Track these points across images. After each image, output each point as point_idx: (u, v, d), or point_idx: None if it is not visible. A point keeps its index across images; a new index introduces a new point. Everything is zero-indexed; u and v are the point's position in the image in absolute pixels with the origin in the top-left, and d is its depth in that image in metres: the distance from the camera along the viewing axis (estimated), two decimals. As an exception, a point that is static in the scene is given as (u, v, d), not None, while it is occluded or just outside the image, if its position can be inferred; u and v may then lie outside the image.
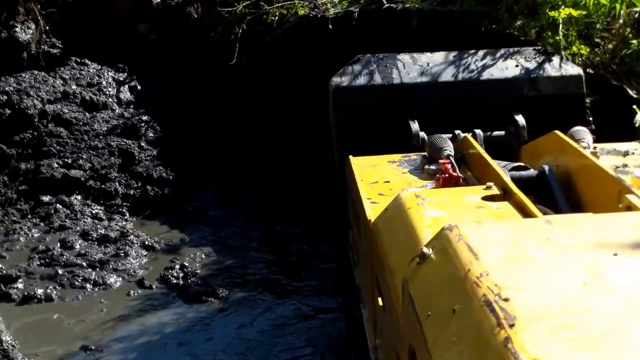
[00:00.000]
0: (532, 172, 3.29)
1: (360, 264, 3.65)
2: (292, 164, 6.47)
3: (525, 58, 4.41)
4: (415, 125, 4.06)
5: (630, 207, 2.36)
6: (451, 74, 4.36)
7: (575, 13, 5.04)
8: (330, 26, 6.13)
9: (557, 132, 3.42)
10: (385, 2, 6.09)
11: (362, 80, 4.34)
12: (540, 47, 4.55)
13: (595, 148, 3.54)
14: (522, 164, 3.44)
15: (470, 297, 1.69)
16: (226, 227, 6.13)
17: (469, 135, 3.69)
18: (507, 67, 4.37)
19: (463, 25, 5.73)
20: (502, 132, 3.83)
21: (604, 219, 2.10)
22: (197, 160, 6.68)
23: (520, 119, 4.07)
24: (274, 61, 6.61)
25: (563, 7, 5.08)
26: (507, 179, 2.92)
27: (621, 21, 5.30)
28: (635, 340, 1.47)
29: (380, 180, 3.51)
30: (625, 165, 3.45)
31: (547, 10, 5.21)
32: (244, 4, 6.71)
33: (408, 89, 4.29)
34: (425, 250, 2.03)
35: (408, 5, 5.95)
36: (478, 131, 3.60)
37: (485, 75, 4.33)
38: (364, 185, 3.43)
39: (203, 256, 5.73)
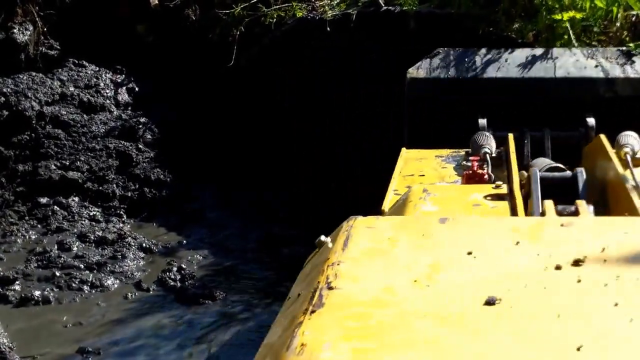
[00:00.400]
0: (566, 174, 3.20)
1: None
2: (292, 164, 6.48)
3: (607, 58, 4.30)
4: (482, 122, 3.98)
5: (543, 213, 2.33)
6: (527, 71, 4.27)
7: (578, 16, 5.04)
8: (328, 28, 6.13)
9: (602, 136, 3.33)
10: (383, 5, 6.09)
11: (438, 74, 4.30)
12: (624, 48, 4.41)
13: None
14: (561, 165, 3.36)
15: (313, 284, 1.74)
16: (224, 229, 6.14)
17: (510, 135, 3.63)
18: (585, 67, 4.26)
19: (461, 28, 5.72)
20: (574, 133, 3.74)
21: (501, 221, 2.14)
22: (195, 161, 6.68)
23: (590, 120, 3.96)
24: (272, 63, 6.61)
25: (563, 10, 5.07)
26: (516, 179, 2.91)
27: (618, 24, 5.30)
28: (411, 339, 1.47)
29: (417, 173, 3.48)
30: None
31: (545, 14, 5.22)
32: (242, 6, 6.72)
33: (483, 85, 4.24)
34: (322, 238, 2.05)
35: (406, 8, 5.95)
36: (546, 130, 3.53)
37: (562, 73, 4.24)
38: (398, 177, 3.42)
39: (201, 258, 5.73)
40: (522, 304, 1.57)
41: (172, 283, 5.36)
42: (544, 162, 3.32)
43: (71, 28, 7.47)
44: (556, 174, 3.19)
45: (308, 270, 2.00)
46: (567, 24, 5.08)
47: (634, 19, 5.27)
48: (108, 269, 5.51)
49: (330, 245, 1.97)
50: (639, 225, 2.00)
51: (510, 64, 4.36)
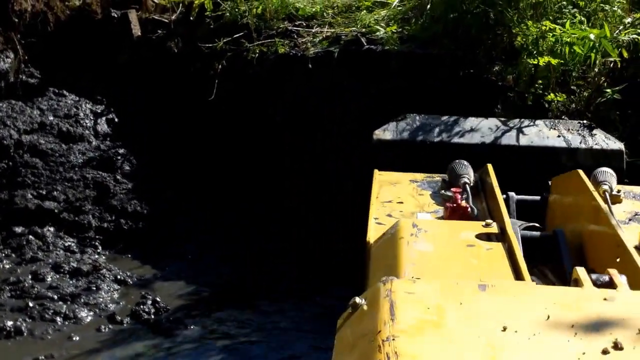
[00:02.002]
0: (548, 233, 3.26)
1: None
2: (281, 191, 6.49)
3: (569, 130, 4.44)
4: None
5: (577, 281, 2.31)
6: (492, 139, 4.39)
7: (554, 61, 5.12)
8: (310, 65, 6.17)
9: (580, 171, 3.38)
10: (365, 44, 6.15)
11: (404, 136, 4.37)
12: (585, 122, 4.56)
13: (619, 191, 3.46)
14: (536, 224, 3.42)
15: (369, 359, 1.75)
16: (200, 262, 6.10)
17: (489, 165, 3.66)
18: (548, 136, 4.39)
19: (442, 68, 5.79)
20: (537, 197, 3.74)
21: (540, 291, 2.15)
22: (173, 194, 6.65)
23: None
24: (253, 97, 6.63)
25: (543, 55, 5.15)
26: (506, 218, 2.92)
27: (596, 70, 5.39)
28: None
29: (395, 199, 3.49)
30: None
31: (525, 58, 5.30)
32: (224, 40, 6.76)
33: (448, 150, 4.29)
34: (357, 300, 2.08)
35: (388, 47, 6.01)
36: (511, 194, 3.61)
37: (525, 141, 4.36)
38: (377, 203, 3.42)
39: (176, 291, 5.69)
40: None
41: (147, 316, 5.31)
42: (515, 222, 3.35)
43: (52, 57, 7.46)
44: (537, 232, 3.24)
45: (351, 338, 1.97)
46: (547, 69, 5.17)
47: (611, 65, 5.36)
48: (82, 300, 5.45)
49: (365, 307, 2.01)
50: None
51: (475, 131, 4.45)
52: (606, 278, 2.32)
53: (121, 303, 5.51)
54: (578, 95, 5.39)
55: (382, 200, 3.47)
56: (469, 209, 3.24)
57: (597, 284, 2.27)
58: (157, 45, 7.42)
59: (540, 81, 5.33)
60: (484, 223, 2.89)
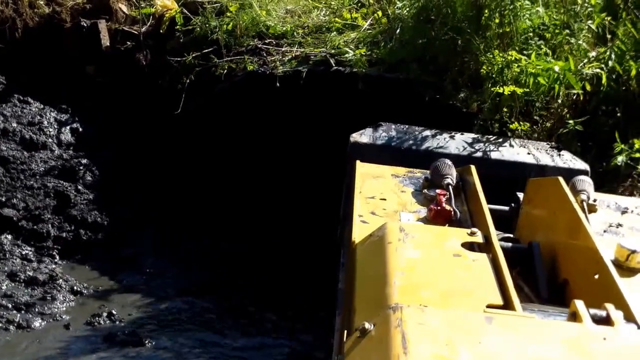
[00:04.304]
0: (523, 245, 3.33)
1: (344, 269, 3.62)
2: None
3: (537, 149, 4.58)
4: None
5: (574, 315, 2.38)
6: (464, 150, 4.50)
7: (518, 91, 5.19)
8: (278, 84, 6.19)
9: (560, 179, 3.43)
10: (333, 65, 6.19)
11: (380, 141, 4.48)
12: (553, 143, 4.72)
13: (595, 200, 3.53)
14: (511, 235, 3.50)
15: None
16: (158, 275, 6.06)
17: (472, 166, 3.72)
18: (518, 152, 4.54)
19: (408, 93, 5.84)
20: (506, 208, 3.84)
21: (544, 326, 2.21)
22: (134, 207, 6.60)
23: (521, 196, 4.13)
24: (220, 113, 6.63)
25: (507, 84, 5.22)
26: (491, 227, 2.98)
27: (559, 101, 5.47)
28: None
29: (378, 196, 3.52)
30: (619, 225, 3.43)
31: (490, 86, 5.36)
32: (193, 55, 6.75)
33: (422, 156, 4.36)
34: (366, 325, 2.11)
35: (356, 69, 6.05)
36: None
37: (496, 155, 4.50)
38: (360, 198, 3.45)
39: (132, 304, 5.64)
40: None
41: (101, 327, 5.26)
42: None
43: (18, 63, 7.39)
44: (513, 244, 3.31)
45: None
46: (511, 98, 5.24)
47: (574, 97, 5.44)
48: (37, 310, 5.37)
49: (373, 333, 2.05)
50: None
51: (448, 141, 4.58)
52: (603, 314, 2.38)
53: (76, 314, 5.44)
54: (541, 126, 5.46)
55: (365, 196, 3.49)
56: (452, 212, 3.30)
57: (595, 320, 2.33)
58: (125, 56, 7.38)
59: (504, 110, 5.40)
60: (469, 231, 2.97)
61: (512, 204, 3.84)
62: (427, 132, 4.64)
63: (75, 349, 5.03)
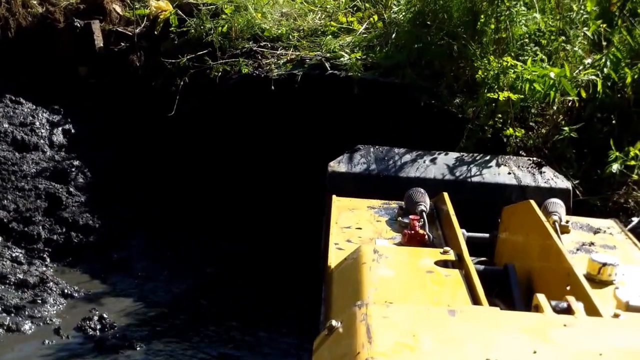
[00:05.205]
0: (499, 268, 3.39)
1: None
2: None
3: (519, 167, 4.54)
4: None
5: (537, 307, 2.45)
6: (444, 174, 4.44)
7: (513, 97, 5.17)
8: (273, 87, 6.16)
9: (532, 202, 3.51)
10: (329, 69, 6.16)
11: (357, 169, 4.40)
12: (534, 159, 4.69)
13: (568, 222, 3.63)
14: (486, 259, 3.57)
15: None
16: (150, 279, 6.01)
17: (445, 194, 3.78)
18: (499, 173, 4.48)
19: (403, 98, 5.81)
20: (487, 235, 3.87)
21: (506, 316, 2.28)
22: (128, 209, 6.56)
23: None
24: (214, 115, 6.59)
25: (503, 90, 5.20)
26: (463, 246, 3.06)
27: (555, 108, 5.45)
28: None
29: (354, 225, 3.59)
30: (591, 244, 3.51)
31: (485, 92, 5.34)
32: (187, 57, 6.71)
33: (401, 183, 4.31)
34: (334, 323, 2.20)
35: (351, 73, 6.02)
36: (462, 230, 3.67)
37: (477, 178, 4.43)
38: (336, 228, 3.53)
39: (124, 308, 5.59)
40: None
41: (92, 332, 5.21)
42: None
43: (11, 64, 7.35)
44: (489, 266, 3.40)
45: (329, 359, 2.09)
46: (507, 104, 5.22)
47: (570, 104, 5.43)
48: (27, 313, 5.32)
49: (341, 330, 2.13)
50: (628, 326, 2.30)
51: (428, 165, 4.50)
52: (564, 305, 2.46)
53: (67, 317, 5.39)
54: (536, 132, 5.44)
55: (341, 226, 3.57)
56: (426, 236, 3.37)
57: (557, 310, 2.42)
58: (119, 57, 7.35)
59: (499, 115, 5.38)
60: (441, 250, 3.04)
61: (494, 231, 3.88)
62: (407, 156, 4.55)
63: (65, 353, 4.98)
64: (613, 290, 2.84)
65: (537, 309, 2.44)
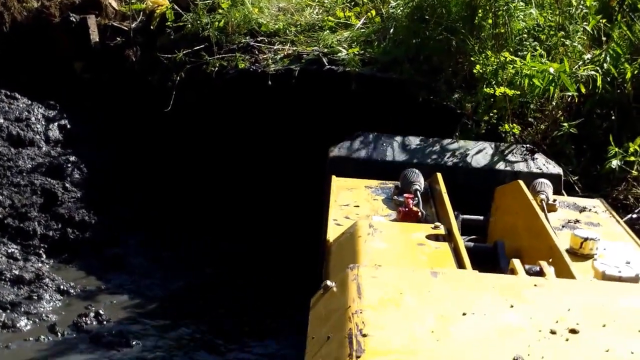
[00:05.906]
0: (486, 245, 3.56)
1: None
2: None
3: (512, 153, 4.68)
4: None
5: (512, 270, 2.68)
6: (441, 158, 4.60)
7: (510, 92, 5.15)
8: (270, 82, 6.12)
9: (520, 182, 3.72)
10: (326, 64, 6.13)
11: (356, 154, 4.56)
12: (527, 146, 4.79)
13: (555, 200, 3.78)
14: (478, 237, 3.75)
15: (342, 328, 2.07)
16: (146, 276, 5.98)
17: (438, 174, 3.93)
18: (493, 159, 4.63)
19: (401, 93, 5.79)
20: (481, 217, 4.00)
21: (484, 278, 2.46)
22: (123, 206, 6.53)
23: None
24: (211, 110, 6.56)
25: (501, 86, 5.18)
26: (454, 222, 3.22)
27: (554, 103, 5.43)
28: None
29: (352, 203, 3.76)
30: (577, 221, 3.63)
31: (483, 88, 5.32)
32: (184, 52, 6.68)
33: (397, 167, 4.40)
34: (328, 283, 2.41)
35: (349, 68, 5.99)
36: (457, 212, 3.75)
37: (473, 163, 4.59)
38: (335, 206, 3.70)
39: (120, 304, 5.56)
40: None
41: (88, 328, 5.18)
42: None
43: (6, 59, 7.31)
44: (478, 244, 3.57)
45: (324, 313, 2.32)
46: (505, 99, 5.20)
47: (569, 99, 5.41)
48: (22, 309, 5.29)
49: (335, 289, 2.35)
50: (594, 287, 2.51)
51: (424, 150, 4.68)
52: (537, 268, 2.73)
53: (63, 314, 5.35)
54: (535, 127, 5.42)
55: (340, 204, 3.75)
56: (420, 213, 3.54)
57: (530, 273, 2.67)
58: (115, 52, 7.31)
59: (494, 111, 5.37)
60: (432, 225, 3.24)
61: (488, 214, 4.02)
62: (405, 142, 4.71)
63: (61, 350, 4.95)
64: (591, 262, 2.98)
65: (513, 272, 2.67)
